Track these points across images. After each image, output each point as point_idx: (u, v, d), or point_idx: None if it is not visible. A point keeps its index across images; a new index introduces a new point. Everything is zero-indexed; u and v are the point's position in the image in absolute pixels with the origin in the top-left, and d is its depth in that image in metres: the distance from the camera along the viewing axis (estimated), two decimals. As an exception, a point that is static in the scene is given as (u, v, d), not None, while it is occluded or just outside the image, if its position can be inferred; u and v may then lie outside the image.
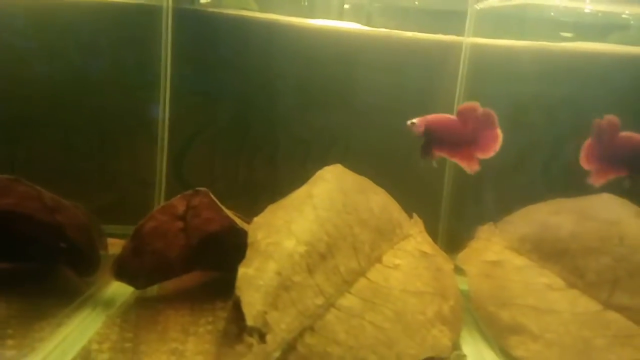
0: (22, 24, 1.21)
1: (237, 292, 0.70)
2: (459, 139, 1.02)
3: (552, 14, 1.18)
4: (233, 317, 0.66)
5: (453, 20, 1.23)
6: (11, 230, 0.93)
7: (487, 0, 1.16)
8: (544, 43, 1.21)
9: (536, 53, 1.20)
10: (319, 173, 1.00)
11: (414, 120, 1.01)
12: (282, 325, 0.67)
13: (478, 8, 1.16)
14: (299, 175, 1.27)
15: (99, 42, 1.21)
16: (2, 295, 0.86)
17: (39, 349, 0.74)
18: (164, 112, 1.22)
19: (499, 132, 1.00)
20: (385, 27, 1.25)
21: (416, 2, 1.25)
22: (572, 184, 1.24)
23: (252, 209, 0.96)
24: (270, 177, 1.29)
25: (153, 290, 0.99)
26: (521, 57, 1.20)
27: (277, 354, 0.65)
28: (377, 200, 1.02)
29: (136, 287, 0.96)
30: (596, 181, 0.98)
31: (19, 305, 0.84)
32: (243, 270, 0.73)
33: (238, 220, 0.93)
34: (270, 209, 0.91)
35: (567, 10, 1.26)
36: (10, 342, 0.74)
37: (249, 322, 0.65)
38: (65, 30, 1.19)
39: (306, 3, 1.32)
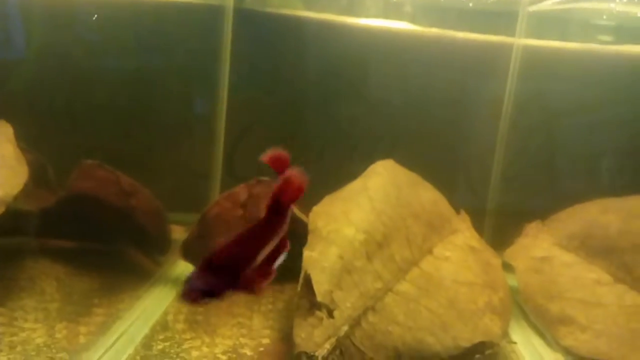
0: (91, 20, 1.30)
1: (305, 271, 0.75)
2: None
3: (604, 17, 1.19)
4: (304, 292, 0.72)
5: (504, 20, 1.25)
6: (86, 211, 1.01)
7: (541, 3, 1.19)
8: (595, 45, 1.22)
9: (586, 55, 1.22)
10: (372, 167, 1.04)
11: None
12: (347, 304, 0.73)
13: (531, 10, 1.19)
14: (346, 169, 1.32)
15: (161, 39, 1.28)
16: (83, 271, 0.94)
17: (123, 317, 0.82)
18: (221, 106, 1.29)
19: None
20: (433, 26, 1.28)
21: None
22: (620, 183, 1.26)
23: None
24: (317, 170, 1.34)
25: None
26: (571, 58, 1.22)
27: (345, 328, 0.70)
28: (428, 196, 1.06)
29: (199, 268, 1.03)
30: None
31: (99, 280, 0.92)
32: (308, 253, 0.79)
33: (295, 210, 0.98)
34: (327, 200, 0.96)
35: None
36: (98, 310, 0.83)
37: (319, 298, 0.71)
38: (129, 26, 1.27)
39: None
